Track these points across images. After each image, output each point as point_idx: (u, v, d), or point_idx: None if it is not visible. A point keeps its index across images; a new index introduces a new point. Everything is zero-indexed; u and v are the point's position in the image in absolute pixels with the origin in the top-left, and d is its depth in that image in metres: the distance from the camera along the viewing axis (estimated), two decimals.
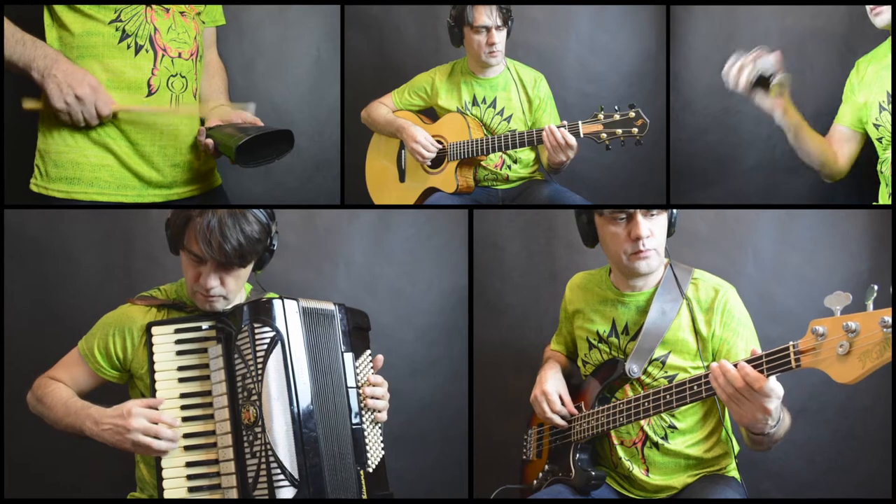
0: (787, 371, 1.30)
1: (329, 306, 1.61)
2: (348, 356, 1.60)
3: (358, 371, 1.61)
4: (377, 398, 1.61)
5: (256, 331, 1.47)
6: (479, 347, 2.36)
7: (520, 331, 2.43)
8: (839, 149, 1.97)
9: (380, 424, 1.64)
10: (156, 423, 1.44)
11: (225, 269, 1.52)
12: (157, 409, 1.47)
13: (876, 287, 1.19)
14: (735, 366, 1.35)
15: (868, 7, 1.84)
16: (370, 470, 1.57)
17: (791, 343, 1.29)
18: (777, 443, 1.47)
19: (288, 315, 1.50)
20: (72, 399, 1.56)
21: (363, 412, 1.59)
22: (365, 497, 1.54)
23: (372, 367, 1.65)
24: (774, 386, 1.32)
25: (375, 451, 1.60)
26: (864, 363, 1.17)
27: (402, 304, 2.38)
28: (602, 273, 1.81)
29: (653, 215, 1.62)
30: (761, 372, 1.32)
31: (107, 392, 1.65)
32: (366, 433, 1.59)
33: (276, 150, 1.72)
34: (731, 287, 1.69)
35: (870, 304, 1.19)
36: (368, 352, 1.66)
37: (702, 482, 1.67)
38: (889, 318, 1.14)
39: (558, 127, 1.97)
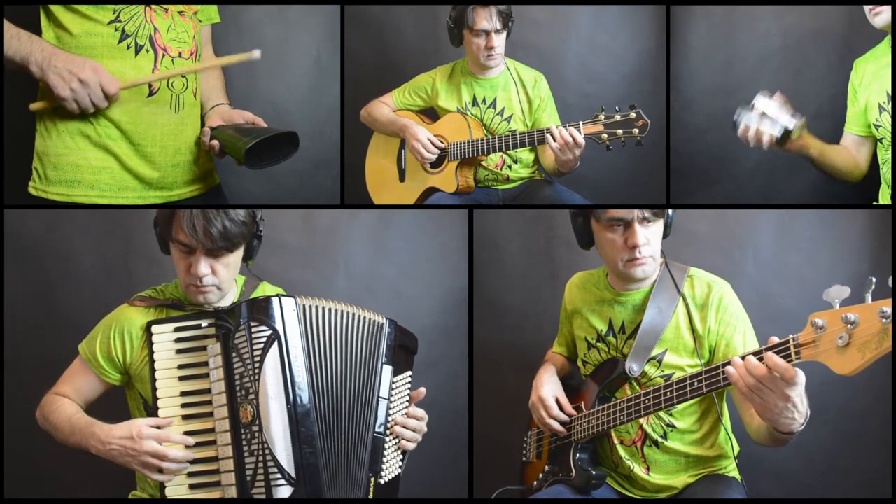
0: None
1: (380, 319, 1.62)
2: (387, 368, 1.61)
3: (393, 387, 1.62)
4: (407, 427, 1.62)
5: (253, 330, 1.46)
6: (479, 347, 2.36)
7: (520, 331, 2.44)
8: (857, 154, 1.97)
9: (403, 449, 1.64)
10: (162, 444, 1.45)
11: (214, 255, 1.52)
12: (163, 428, 1.48)
13: (874, 279, 1.19)
14: (760, 359, 1.32)
15: (867, 7, 1.84)
16: (382, 482, 1.58)
17: (791, 336, 1.29)
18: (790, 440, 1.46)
19: (286, 314, 1.49)
20: (76, 416, 1.56)
21: (389, 427, 1.60)
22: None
23: (409, 393, 1.67)
24: (800, 373, 1.30)
25: (391, 466, 1.61)
26: (864, 354, 1.17)
27: (402, 304, 2.38)
28: (600, 273, 1.81)
29: (649, 222, 1.62)
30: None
31: (107, 396, 1.66)
32: (386, 445, 1.59)
33: (281, 152, 1.73)
34: (725, 283, 1.69)
35: (868, 297, 1.19)
36: (409, 373, 1.68)
37: (702, 482, 1.67)
38: (887, 309, 1.14)
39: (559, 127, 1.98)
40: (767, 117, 1.76)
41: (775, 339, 1.32)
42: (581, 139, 1.95)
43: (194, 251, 1.51)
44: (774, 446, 1.51)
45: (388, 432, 1.60)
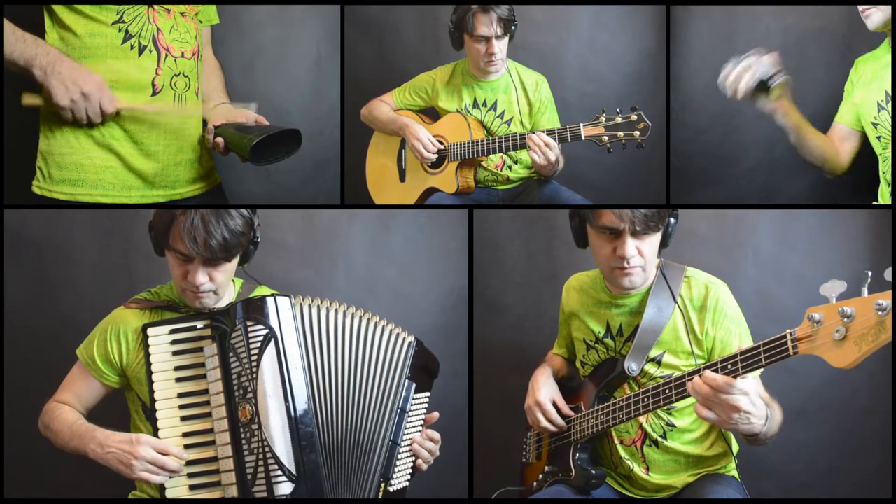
0: (785, 358, 1.29)
1: (407, 335, 1.66)
2: (409, 383, 1.63)
3: (412, 403, 1.64)
4: (423, 447, 1.65)
5: (250, 329, 1.47)
6: (479, 347, 2.36)
7: (520, 331, 2.43)
8: (840, 146, 1.98)
9: (417, 467, 1.67)
10: (162, 455, 1.45)
11: (212, 264, 1.53)
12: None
13: (870, 273, 1.20)
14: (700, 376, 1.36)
15: (860, 8, 1.83)
16: (391, 489, 1.59)
17: (788, 331, 1.29)
18: (772, 438, 1.46)
19: (281, 313, 1.50)
20: (77, 422, 1.57)
21: (405, 438, 1.62)
22: None
23: (425, 415, 1.69)
24: (741, 384, 1.32)
25: (401, 477, 1.62)
26: (861, 347, 1.17)
27: (402, 304, 2.38)
28: (597, 275, 1.80)
29: (643, 235, 1.59)
30: (758, 361, 1.31)
31: (108, 403, 1.66)
32: (400, 454, 1.61)
33: (285, 149, 1.75)
34: (722, 284, 1.68)
35: (864, 290, 1.20)
36: (427, 394, 1.70)
37: (702, 481, 1.67)
38: (883, 302, 1.14)
39: (557, 129, 1.99)
40: (750, 68, 1.75)
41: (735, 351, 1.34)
42: (553, 144, 1.98)
43: (192, 260, 1.52)
44: (754, 445, 1.51)
45: (402, 442, 1.61)
